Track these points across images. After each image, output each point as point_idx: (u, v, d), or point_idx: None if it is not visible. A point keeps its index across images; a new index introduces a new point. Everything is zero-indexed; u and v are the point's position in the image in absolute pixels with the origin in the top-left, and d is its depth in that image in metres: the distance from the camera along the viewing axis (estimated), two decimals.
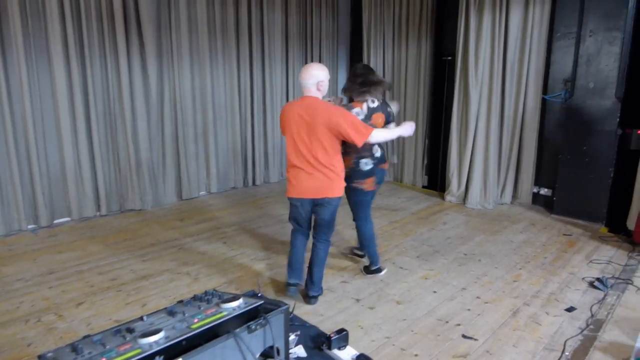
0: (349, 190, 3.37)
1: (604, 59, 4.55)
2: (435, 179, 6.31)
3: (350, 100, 3.40)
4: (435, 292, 3.37)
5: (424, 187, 6.39)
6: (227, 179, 6.16)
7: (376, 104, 3.31)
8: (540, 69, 5.05)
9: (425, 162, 6.39)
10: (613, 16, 4.44)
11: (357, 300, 3.24)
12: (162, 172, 5.45)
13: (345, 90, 3.41)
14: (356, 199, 3.46)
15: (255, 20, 6.01)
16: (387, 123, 3.38)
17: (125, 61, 4.90)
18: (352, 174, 3.32)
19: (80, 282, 3.47)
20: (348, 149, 3.23)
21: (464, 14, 5.30)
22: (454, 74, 5.54)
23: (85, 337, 1.37)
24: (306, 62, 6.80)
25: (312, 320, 2.91)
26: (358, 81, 3.27)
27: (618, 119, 4.53)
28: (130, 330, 1.37)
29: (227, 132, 6.05)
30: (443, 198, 5.75)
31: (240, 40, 5.92)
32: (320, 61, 6.92)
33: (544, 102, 5.15)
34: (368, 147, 3.26)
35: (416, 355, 2.60)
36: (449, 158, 5.67)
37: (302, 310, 3.06)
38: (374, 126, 3.16)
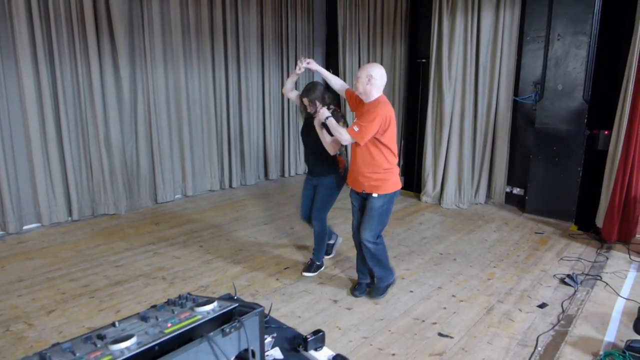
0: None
1: (571, 62, 4.69)
2: (411, 180, 6.38)
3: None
4: (411, 291, 3.41)
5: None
6: (203, 181, 6.09)
7: None
8: (512, 72, 5.17)
9: (401, 163, 6.46)
10: (580, 21, 4.59)
11: (335, 301, 3.25)
12: (136, 175, 5.35)
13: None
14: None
15: (230, 22, 5.97)
16: None
17: (97, 63, 4.80)
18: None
19: (51, 290, 3.38)
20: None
21: (437, 17, 5.39)
22: (429, 76, 5.62)
23: (54, 345, 1.33)
24: (282, 64, 6.80)
25: (290, 322, 2.91)
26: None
27: (585, 120, 4.68)
28: (101, 337, 1.34)
29: (203, 134, 5.99)
30: (419, 199, 5.83)
31: (215, 41, 5.88)
32: (296, 63, 6.91)
33: (515, 104, 5.28)
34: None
35: (393, 354, 2.62)
36: (424, 159, 5.75)
37: (280, 313, 3.05)
38: None
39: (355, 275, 3.50)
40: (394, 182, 3.14)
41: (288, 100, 6.93)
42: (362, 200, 3.22)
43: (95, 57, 4.77)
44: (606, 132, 4.51)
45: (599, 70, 4.71)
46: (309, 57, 3.47)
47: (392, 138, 3.06)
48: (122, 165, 5.16)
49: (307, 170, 3.81)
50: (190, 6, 5.54)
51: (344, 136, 3.01)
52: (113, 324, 1.43)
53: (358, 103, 3.17)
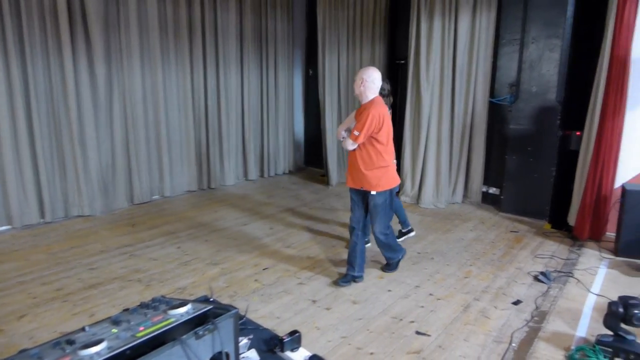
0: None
1: (545, 64, 4.79)
2: None
3: None
4: (390, 290, 3.43)
5: None
6: (181, 182, 6.02)
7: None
8: (488, 73, 5.26)
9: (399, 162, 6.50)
10: (553, 25, 4.69)
11: (314, 301, 3.25)
12: (112, 175, 5.25)
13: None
14: None
15: (209, 21, 5.91)
16: None
17: (71, 60, 4.69)
18: None
19: (22, 294, 3.29)
20: None
21: (415, 20, 5.44)
22: (407, 77, 5.67)
23: (21, 351, 1.30)
24: (261, 64, 6.77)
25: (268, 323, 2.89)
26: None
27: (558, 122, 4.79)
28: (70, 342, 1.31)
29: (181, 134, 5.92)
30: (398, 198, 5.86)
31: (194, 40, 5.81)
32: (275, 63, 6.91)
33: (491, 105, 5.37)
34: None
35: (372, 353, 2.64)
36: (403, 159, 5.79)
37: (259, 314, 3.03)
38: None
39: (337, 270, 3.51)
40: (391, 178, 3.45)
41: (267, 99, 6.91)
42: (362, 196, 3.49)
43: (69, 54, 4.66)
44: (578, 133, 4.62)
45: (571, 73, 4.83)
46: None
47: (387, 136, 3.34)
48: (97, 165, 5.05)
49: None
50: (168, 4, 5.47)
51: (348, 146, 3.37)
52: (83, 329, 1.40)
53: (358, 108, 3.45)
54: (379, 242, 3.62)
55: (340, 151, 6.67)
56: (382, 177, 3.37)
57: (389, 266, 3.75)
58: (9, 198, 4.49)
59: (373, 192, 3.38)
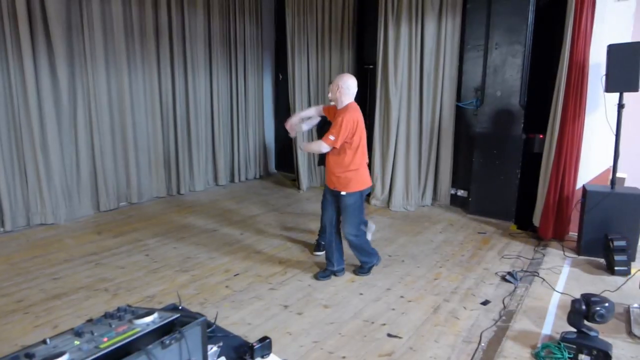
0: None
1: (508, 69, 4.94)
2: None
3: None
4: (361, 294, 3.44)
5: None
6: (149, 188, 5.89)
7: None
8: (454, 78, 5.38)
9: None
10: (515, 31, 4.85)
11: (286, 306, 3.23)
12: (76, 182, 5.09)
13: None
14: None
15: (176, 24, 5.83)
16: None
17: (31, 63, 4.53)
18: None
19: None
20: None
21: (383, 25, 5.51)
22: (376, 81, 5.73)
23: None
24: (230, 68, 6.72)
25: (239, 329, 2.86)
26: None
27: (522, 125, 4.94)
28: (29, 356, 1.25)
29: (149, 139, 5.79)
30: (368, 202, 5.91)
31: (161, 43, 5.71)
32: (245, 67, 6.87)
33: (458, 109, 5.49)
34: None
35: (344, 357, 2.64)
36: (373, 163, 5.84)
37: (229, 320, 2.99)
38: None
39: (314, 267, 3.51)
40: (362, 180, 3.53)
41: (237, 103, 6.85)
42: (335, 197, 3.60)
43: (29, 57, 4.51)
44: (541, 136, 4.77)
45: (533, 78, 4.99)
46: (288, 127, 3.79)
47: (360, 140, 3.46)
48: (60, 172, 4.89)
49: None
50: (133, 6, 5.35)
51: (322, 148, 3.43)
52: (44, 341, 1.34)
53: (333, 112, 3.57)
54: (350, 244, 3.67)
55: (311, 156, 6.68)
56: (352, 178, 3.47)
57: (362, 269, 3.79)
58: None
59: (343, 193, 3.48)
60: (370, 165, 5.94)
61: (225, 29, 6.53)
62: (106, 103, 5.26)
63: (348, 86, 3.44)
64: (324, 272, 3.70)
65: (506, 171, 5.06)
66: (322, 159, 3.84)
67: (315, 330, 2.93)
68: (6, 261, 3.90)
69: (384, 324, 3.01)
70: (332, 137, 3.35)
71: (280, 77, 7.34)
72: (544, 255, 4.22)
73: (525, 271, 3.86)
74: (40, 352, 1.28)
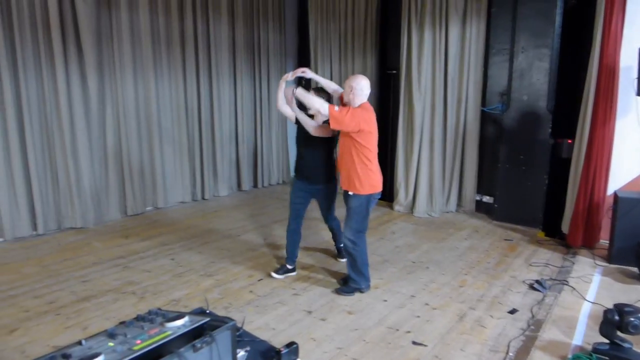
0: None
1: (535, 73, 4.86)
2: (384, 190, 6.38)
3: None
4: (385, 300, 3.42)
5: None
6: (174, 193, 5.98)
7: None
8: (479, 83, 5.32)
9: None
10: (542, 34, 4.77)
11: (309, 312, 3.23)
12: (105, 187, 5.22)
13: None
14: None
15: (202, 32, 5.94)
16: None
17: (63, 72, 4.68)
18: None
19: (13, 308, 3.23)
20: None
21: (406, 30, 5.50)
22: (399, 87, 5.71)
23: None
24: (254, 75, 6.80)
25: (263, 334, 2.87)
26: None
27: (550, 130, 4.84)
28: (66, 356, 1.29)
29: (174, 145, 5.90)
30: (392, 208, 5.88)
31: (186, 51, 5.83)
32: (268, 74, 6.94)
33: (483, 114, 5.42)
34: None
35: None
36: (396, 169, 5.82)
37: (254, 325, 3.01)
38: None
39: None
40: (371, 184, 3.39)
41: (260, 110, 6.92)
42: (343, 197, 3.53)
43: (62, 66, 4.65)
44: (569, 141, 4.67)
45: (561, 82, 4.89)
46: (303, 67, 3.58)
47: (369, 141, 3.36)
48: (90, 177, 5.02)
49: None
50: (160, 16, 5.48)
51: (322, 108, 3.18)
52: (79, 342, 1.38)
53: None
54: (345, 249, 3.52)
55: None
56: (361, 180, 3.35)
57: (347, 287, 3.53)
58: (0, 211, 4.43)
59: (350, 193, 3.40)
60: (393, 171, 5.96)
61: (249, 36, 6.62)
62: (133, 110, 5.39)
63: (362, 87, 3.32)
64: (347, 288, 3.55)
65: (533, 177, 4.97)
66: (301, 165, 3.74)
67: (339, 336, 2.92)
68: (38, 263, 4.02)
69: (409, 332, 2.98)
70: (337, 109, 3.17)
71: (303, 82, 7.37)
72: (573, 263, 4.11)
73: (554, 279, 3.77)
74: (76, 352, 1.32)
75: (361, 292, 3.52)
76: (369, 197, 3.40)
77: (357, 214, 3.41)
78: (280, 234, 4.88)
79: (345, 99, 3.41)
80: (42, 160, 4.71)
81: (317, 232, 4.94)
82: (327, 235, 4.87)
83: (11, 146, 4.44)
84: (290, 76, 3.43)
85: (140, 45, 5.35)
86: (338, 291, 3.52)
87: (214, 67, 6.14)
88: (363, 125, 3.23)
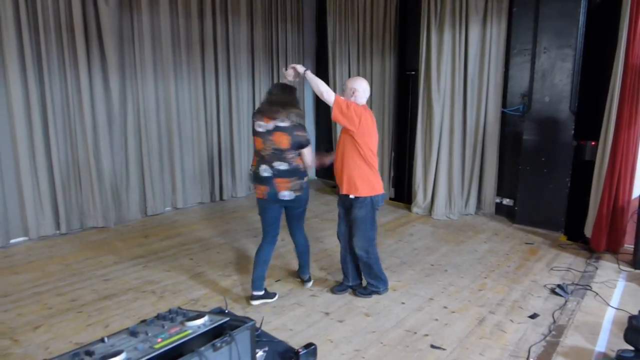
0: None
1: (557, 74, 4.77)
2: (402, 191, 6.40)
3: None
4: (403, 303, 3.40)
5: (390, 199, 6.47)
6: (193, 194, 6.05)
7: (286, 123, 3.20)
8: (499, 84, 5.24)
9: (392, 174, 6.48)
10: (565, 34, 4.68)
11: (327, 313, 3.23)
12: (125, 188, 5.31)
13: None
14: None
15: (221, 34, 5.99)
16: (299, 148, 3.26)
17: (86, 74, 4.78)
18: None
19: (37, 305, 3.31)
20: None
21: (425, 31, 5.46)
22: (418, 88, 5.67)
23: None
24: (272, 76, 6.83)
25: (281, 335, 2.88)
26: (268, 100, 3.26)
27: (573, 132, 4.75)
28: (89, 353, 1.31)
29: (193, 146, 5.97)
30: (410, 210, 5.84)
31: (206, 53, 5.89)
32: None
33: (503, 115, 5.34)
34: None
35: None
36: (415, 170, 5.78)
37: (271, 326, 3.02)
38: (273, 142, 3.19)
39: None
40: (373, 187, 3.29)
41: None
42: (346, 207, 3.40)
43: (85, 68, 4.75)
44: (593, 143, 4.57)
45: (585, 82, 4.80)
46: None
47: (371, 143, 3.24)
48: (111, 178, 5.11)
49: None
50: (180, 18, 5.55)
51: (322, 89, 3.10)
52: (102, 340, 1.41)
53: None
54: (360, 260, 3.43)
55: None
56: (366, 183, 3.25)
57: (364, 289, 3.52)
58: (25, 210, 4.55)
59: (352, 196, 3.26)
60: (411, 173, 5.92)
61: (268, 37, 6.66)
62: (154, 111, 5.47)
63: (364, 89, 3.26)
64: (341, 286, 3.57)
65: (555, 179, 4.88)
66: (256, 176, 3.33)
67: (356, 338, 2.91)
68: (61, 262, 4.11)
69: (427, 335, 2.96)
70: (343, 98, 3.13)
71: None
72: (596, 268, 4.03)
73: (577, 284, 3.69)
74: (99, 349, 1.34)
75: (379, 294, 3.50)
76: (372, 200, 3.29)
77: (364, 222, 3.30)
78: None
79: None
80: (66, 161, 4.81)
81: (334, 234, 4.93)
82: None
83: (36, 147, 4.55)
84: (291, 76, 3.28)
85: (160, 47, 5.43)
86: (356, 293, 3.51)
87: (232, 68, 6.19)
88: (363, 121, 3.13)
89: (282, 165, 3.21)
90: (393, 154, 6.43)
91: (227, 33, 6.08)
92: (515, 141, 5.32)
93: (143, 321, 1.54)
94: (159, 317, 1.56)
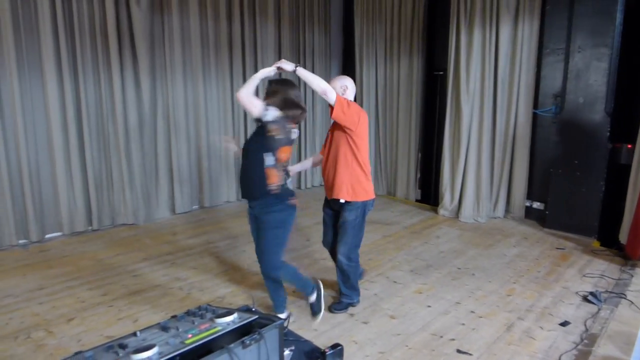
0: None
1: (592, 74, 4.63)
2: (429, 193, 6.33)
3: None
4: (429, 306, 3.36)
5: (417, 200, 6.41)
6: (220, 193, 6.13)
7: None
8: (531, 84, 5.12)
9: (418, 176, 6.42)
10: (600, 33, 4.54)
11: (351, 314, 3.22)
12: (155, 186, 5.42)
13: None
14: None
15: (249, 35, 6.05)
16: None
17: (119, 76, 4.90)
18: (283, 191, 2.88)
19: (70, 298, 3.42)
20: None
21: (455, 31, 5.39)
22: (446, 88, 5.60)
23: (76, 353, 1.35)
24: (299, 78, 6.84)
25: (306, 335, 2.88)
26: (292, 99, 2.90)
27: (608, 134, 4.60)
28: (123, 346, 1.35)
29: (221, 146, 6.05)
30: (436, 212, 5.77)
31: (234, 54, 5.96)
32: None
33: (535, 117, 5.22)
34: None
35: None
36: (442, 172, 5.70)
37: (296, 325, 3.03)
38: (280, 160, 2.78)
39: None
40: (366, 191, 3.13)
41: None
42: (334, 212, 3.24)
43: (117, 70, 4.88)
44: (629, 146, 4.42)
45: (621, 83, 4.64)
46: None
47: (364, 144, 3.09)
48: (141, 176, 5.23)
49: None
50: (209, 20, 5.64)
51: (322, 87, 2.86)
52: (134, 334, 1.44)
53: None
54: (339, 267, 3.20)
55: (380, 163, 6.66)
56: (359, 187, 3.07)
57: (339, 304, 3.27)
58: (60, 206, 4.70)
59: (342, 201, 3.06)
60: (438, 174, 5.85)
61: (295, 39, 6.69)
62: (183, 112, 5.57)
63: (353, 87, 3.15)
64: (339, 304, 3.31)
65: (588, 183, 4.73)
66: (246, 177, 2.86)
67: (381, 340, 2.89)
68: (93, 257, 4.23)
69: (453, 339, 2.91)
70: (342, 96, 2.97)
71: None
72: (632, 275, 3.88)
73: (610, 292, 3.57)
74: (131, 343, 1.38)
75: (353, 306, 3.31)
76: (364, 205, 3.12)
77: (353, 227, 3.11)
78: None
79: None
80: (98, 159, 4.95)
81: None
82: (371, 239, 4.84)
83: (71, 146, 4.70)
84: (272, 70, 3.00)
85: (190, 49, 5.52)
86: (331, 309, 3.25)
87: (260, 69, 6.22)
88: (362, 121, 3.02)
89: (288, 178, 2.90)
90: (420, 155, 6.37)
91: (255, 35, 6.14)
92: (547, 143, 5.18)
93: (174, 316, 1.57)
94: (189, 313, 1.59)
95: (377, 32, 6.42)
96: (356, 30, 6.65)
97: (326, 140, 3.26)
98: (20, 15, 4.28)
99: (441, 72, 5.92)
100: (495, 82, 5.27)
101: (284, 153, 2.80)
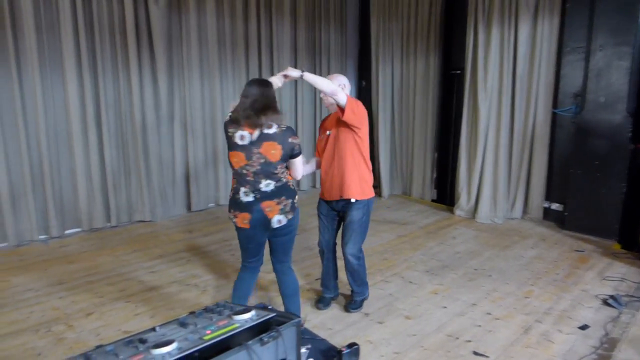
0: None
1: (614, 73, 4.54)
2: (445, 193, 6.28)
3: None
4: (445, 307, 3.33)
5: (433, 200, 6.36)
6: None
7: (274, 129, 2.63)
8: (550, 83, 5.04)
9: (435, 175, 6.37)
10: (622, 31, 4.45)
11: (366, 314, 3.22)
12: (172, 183, 5.48)
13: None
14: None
15: (265, 34, 6.08)
16: (290, 158, 2.69)
17: (137, 74, 4.97)
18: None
19: (89, 293, 3.48)
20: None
21: (472, 29, 5.33)
22: (463, 87, 5.54)
23: (97, 347, 1.37)
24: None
25: (321, 334, 2.87)
26: (248, 104, 2.68)
27: (630, 134, 4.50)
28: (142, 341, 1.36)
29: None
30: (452, 212, 5.72)
31: (250, 53, 5.99)
32: (329, 74, 6.94)
33: (554, 116, 5.13)
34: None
35: None
36: (458, 172, 5.65)
37: (311, 324, 3.03)
38: (261, 155, 2.59)
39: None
40: (371, 188, 3.15)
41: (320, 111, 6.97)
42: (337, 212, 3.23)
43: (136, 68, 4.94)
44: None
45: None
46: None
47: (367, 140, 3.10)
48: (158, 174, 5.29)
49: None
50: (226, 18, 5.67)
51: (332, 88, 2.79)
52: (153, 329, 1.46)
53: (333, 116, 3.16)
54: (349, 268, 3.20)
55: (395, 161, 6.63)
56: (365, 184, 3.09)
57: (354, 303, 3.28)
58: (79, 202, 4.78)
59: (353, 200, 3.04)
60: (455, 174, 5.80)
61: (311, 37, 6.69)
62: (199, 110, 5.62)
63: (349, 84, 3.15)
64: (324, 300, 3.34)
65: (609, 184, 4.64)
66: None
67: (396, 340, 2.88)
68: (111, 253, 4.29)
69: (469, 341, 2.89)
70: (351, 98, 2.91)
71: (364, 83, 7.35)
72: None
73: (632, 296, 3.50)
74: (151, 338, 1.39)
75: (366, 300, 3.36)
76: (370, 202, 3.13)
77: (360, 225, 3.11)
78: (338, 234, 4.88)
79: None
80: (117, 157, 5.03)
81: (376, 234, 4.90)
82: (387, 238, 4.82)
83: (90, 144, 4.78)
84: (280, 79, 2.99)
85: (207, 48, 5.57)
86: (347, 309, 3.27)
87: (276, 68, 6.26)
88: (366, 115, 3.03)
89: (269, 185, 2.59)
90: (436, 154, 6.32)
91: (271, 33, 6.16)
92: (567, 143, 5.10)
93: (192, 313, 1.59)
94: (207, 309, 1.60)
95: (393, 31, 6.38)
96: (372, 28, 6.62)
97: (323, 142, 3.19)
98: (42, 15, 4.36)
99: (458, 71, 5.87)
100: (514, 81, 5.20)
101: (236, 158, 2.74)
